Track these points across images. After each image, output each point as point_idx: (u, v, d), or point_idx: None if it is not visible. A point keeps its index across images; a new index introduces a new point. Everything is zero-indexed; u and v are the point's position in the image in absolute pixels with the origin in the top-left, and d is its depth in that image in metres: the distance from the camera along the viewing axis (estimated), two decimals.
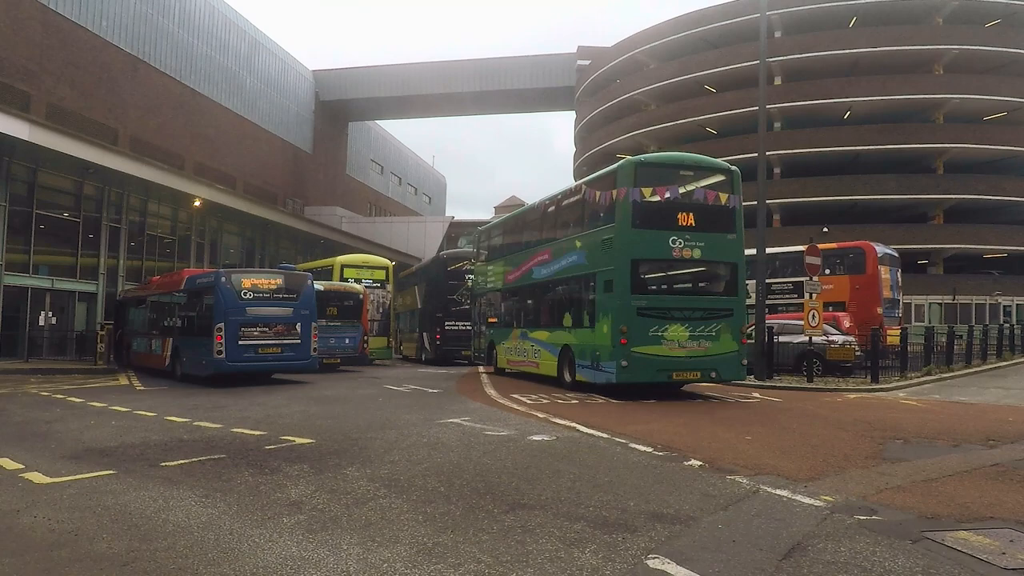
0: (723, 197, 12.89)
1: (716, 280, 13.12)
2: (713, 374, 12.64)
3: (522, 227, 18.00)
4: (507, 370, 17.96)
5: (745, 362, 13.16)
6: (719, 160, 13.99)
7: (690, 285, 13.17)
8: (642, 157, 13.73)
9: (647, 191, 12.40)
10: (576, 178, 55.94)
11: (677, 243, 12.41)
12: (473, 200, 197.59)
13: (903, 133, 39.54)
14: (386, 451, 7.20)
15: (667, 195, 12.59)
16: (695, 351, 12.31)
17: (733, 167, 13.33)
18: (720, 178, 13.14)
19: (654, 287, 12.62)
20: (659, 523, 4.65)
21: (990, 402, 12.30)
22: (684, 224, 12.54)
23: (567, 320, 14.56)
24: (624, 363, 12.05)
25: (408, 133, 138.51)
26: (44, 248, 23.63)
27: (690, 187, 12.91)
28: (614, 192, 12.74)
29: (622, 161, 13.18)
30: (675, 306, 12.48)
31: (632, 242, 12.34)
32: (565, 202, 15.39)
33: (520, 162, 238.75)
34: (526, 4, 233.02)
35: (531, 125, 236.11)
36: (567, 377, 14.18)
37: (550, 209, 16.17)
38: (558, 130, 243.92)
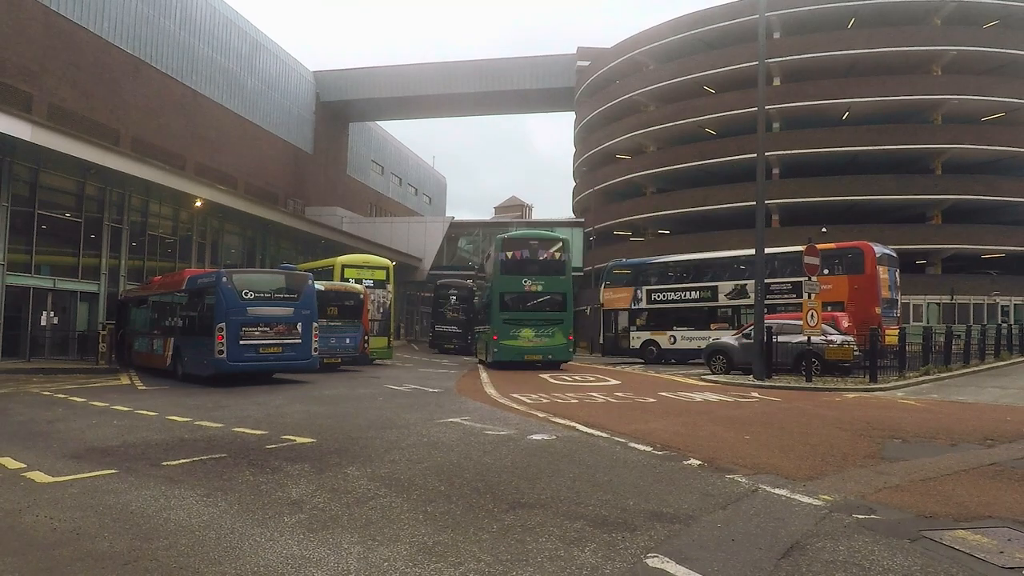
0: (557, 255, 21.24)
1: (552, 303, 21.06)
2: (550, 356, 20.76)
3: (485, 268, 27.42)
4: (486, 360, 22.86)
5: (571, 350, 21.78)
6: (557, 233, 24.21)
7: (536, 306, 20.93)
8: (506, 235, 22.68)
9: (509, 254, 21.05)
10: (575, 179, 56.23)
11: (527, 282, 20.87)
12: (474, 201, 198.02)
13: (901, 134, 39.47)
14: (387, 450, 7.22)
15: (521, 255, 21.04)
16: (538, 343, 20.64)
17: (564, 237, 22.51)
18: (558, 244, 21.53)
19: (514, 307, 20.78)
20: (658, 522, 4.68)
21: (988, 402, 12.33)
22: (531, 272, 20.92)
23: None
24: (495, 350, 20.63)
25: (407, 135, 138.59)
26: (46, 248, 23.63)
27: (537, 251, 21.23)
28: (494, 253, 21.54)
29: (497, 236, 22.16)
30: (526, 318, 20.71)
31: (501, 282, 20.96)
32: (489, 258, 24.52)
33: (521, 163, 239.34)
34: (526, 4, 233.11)
35: (532, 126, 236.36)
36: (486, 359, 22.01)
37: (486, 261, 26.66)
38: (558, 130, 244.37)
